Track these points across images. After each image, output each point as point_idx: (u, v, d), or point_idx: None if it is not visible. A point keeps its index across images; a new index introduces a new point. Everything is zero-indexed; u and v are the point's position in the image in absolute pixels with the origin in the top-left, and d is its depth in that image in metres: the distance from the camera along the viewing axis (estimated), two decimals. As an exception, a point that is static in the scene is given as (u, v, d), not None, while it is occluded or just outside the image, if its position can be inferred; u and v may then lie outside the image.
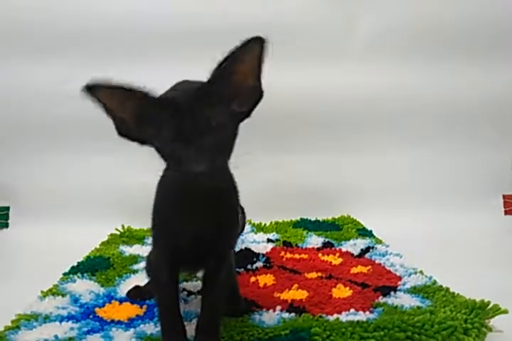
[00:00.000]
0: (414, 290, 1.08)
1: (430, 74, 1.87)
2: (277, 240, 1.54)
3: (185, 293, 1.08)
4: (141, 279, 1.17)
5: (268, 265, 1.29)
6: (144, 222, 1.54)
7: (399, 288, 1.10)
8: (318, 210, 1.78)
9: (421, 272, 1.18)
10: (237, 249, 1.23)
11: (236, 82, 0.71)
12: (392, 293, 1.06)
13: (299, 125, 1.86)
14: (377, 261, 1.30)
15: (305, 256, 1.36)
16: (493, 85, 1.87)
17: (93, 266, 1.27)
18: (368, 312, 0.97)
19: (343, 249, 1.43)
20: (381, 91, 1.87)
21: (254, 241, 1.53)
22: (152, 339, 0.87)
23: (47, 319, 0.96)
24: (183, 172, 0.68)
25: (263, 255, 1.36)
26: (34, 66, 1.77)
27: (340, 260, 1.33)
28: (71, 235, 1.56)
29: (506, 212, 1.85)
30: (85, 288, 1.12)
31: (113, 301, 1.05)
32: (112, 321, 0.95)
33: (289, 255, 1.38)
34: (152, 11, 1.80)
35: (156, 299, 0.86)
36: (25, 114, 1.80)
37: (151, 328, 0.91)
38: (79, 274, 1.20)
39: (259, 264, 1.29)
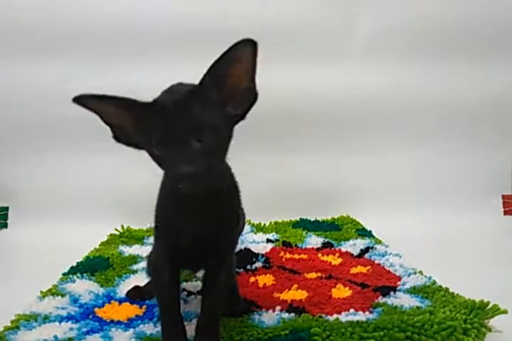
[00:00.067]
0: (413, 291, 1.08)
1: (430, 74, 1.87)
2: (277, 240, 1.54)
3: (185, 293, 1.08)
4: (140, 279, 1.17)
5: (267, 265, 1.28)
6: (143, 222, 1.56)
7: (398, 288, 1.10)
8: (318, 210, 1.78)
9: (420, 272, 1.18)
10: (236, 249, 1.23)
11: (229, 84, 0.71)
12: (391, 293, 1.06)
13: (299, 125, 1.86)
14: (376, 261, 1.30)
15: (304, 256, 1.36)
16: (493, 85, 1.87)
17: (92, 266, 1.27)
18: (367, 313, 0.97)
19: (343, 249, 1.43)
20: (381, 91, 1.87)
21: (253, 241, 1.53)
22: (152, 340, 0.87)
23: (46, 319, 0.96)
24: (170, 174, 0.68)
25: (262, 255, 1.36)
26: (34, 66, 1.77)
27: (339, 260, 1.33)
28: (71, 235, 1.56)
29: (506, 212, 1.85)
30: (85, 288, 1.12)
31: (112, 301, 1.05)
32: (112, 321, 0.95)
33: (288, 255, 1.38)
34: (152, 11, 1.80)
35: (157, 299, 0.87)
36: (25, 114, 1.80)
37: (151, 328, 0.91)
38: (78, 274, 1.20)
39: (258, 264, 1.29)
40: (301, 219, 1.76)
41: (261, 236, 1.58)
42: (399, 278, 1.16)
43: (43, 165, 1.80)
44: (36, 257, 1.45)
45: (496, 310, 0.91)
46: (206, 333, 0.83)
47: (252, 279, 1.17)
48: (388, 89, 1.87)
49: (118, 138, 0.75)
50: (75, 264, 1.28)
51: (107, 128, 0.76)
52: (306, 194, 1.83)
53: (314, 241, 1.52)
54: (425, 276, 1.15)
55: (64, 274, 1.21)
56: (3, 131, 1.81)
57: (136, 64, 1.76)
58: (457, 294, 1.03)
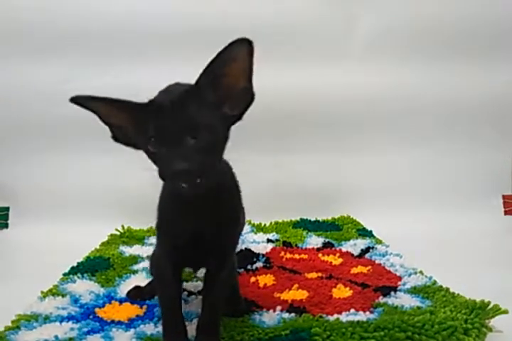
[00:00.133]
0: (414, 291, 1.08)
1: (430, 74, 1.87)
2: (277, 240, 1.54)
3: (186, 293, 1.08)
4: (141, 279, 1.17)
5: (268, 265, 1.28)
6: (143, 222, 1.56)
7: (399, 288, 1.10)
8: (318, 210, 1.78)
9: (421, 272, 1.18)
10: (237, 250, 1.23)
11: (226, 84, 0.71)
12: (392, 293, 1.06)
13: (299, 125, 1.86)
14: (377, 261, 1.30)
15: (305, 257, 1.36)
16: (493, 85, 1.87)
17: (93, 266, 1.27)
18: (368, 313, 0.97)
19: (343, 249, 1.43)
20: (381, 91, 1.87)
21: (254, 241, 1.53)
22: (152, 340, 0.87)
23: (47, 319, 0.96)
24: (165, 172, 0.68)
25: (263, 255, 1.36)
26: (34, 66, 1.77)
27: (340, 260, 1.33)
28: (71, 235, 1.56)
29: (506, 212, 1.85)
30: (85, 288, 1.12)
31: (113, 301, 1.05)
32: (112, 321, 0.95)
33: (288, 255, 1.38)
34: (152, 11, 1.80)
35: (159, 298, 0.87)
36: (25, 114, 1.80)
37: (151, 328, 0.91)
38: (79, 274, 1.20)
39: (259, 264, 1.29)
40: (301, 219, 1.76)
41: (261, 236, 1.58)
42: (399, 278, 1.16)
43: (43, 165, 1.80)
44: (37, 257, 1.45)
45: (497, 310, 0.91)
46: (207, 333, 0.83)
47: (253, 279, 1.18)
48: (388, 89, 1.87)
49: (116, 137, 0.76)
50: (75, 264, 1.28)
51: (107, 128, 0.77)
52: (306, 194, 1.83)
53: (315, 241, 1.52)
54: (426, 276, 1.15)
55: (64, 274, 1.21)
56: (3, 131, 1.81)
57: (136, 64, 1.76)
58: (458, 294, 1.03)
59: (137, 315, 0.98)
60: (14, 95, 1.80)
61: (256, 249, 1.42)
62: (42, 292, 1.09)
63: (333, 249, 1.45)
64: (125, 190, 1.75)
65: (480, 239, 1.57)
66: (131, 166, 1.78)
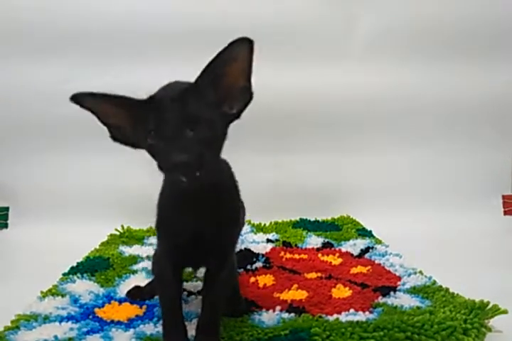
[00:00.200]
0: (413, 291, 1.08)
1: (430, 74, 1.87)
2: (277, 240, 1.54)
3: (186, 293, 1.08)
4: (140, 279, 1.17)
5: (268, 265, 1.29)
6: (143, 222, 1.56)
7: (398, 288, 1.10)
8: (318, 210, 1.78)
9: (420, 272, 1.18)
10: (236, 250, 1.24)
11: (225, 83, 0.72)
12: (391, 293, 1.06)
13: (299, 125, 1.86)
14: (376, 261, 1.30)
15: (305, 257, 1.36)
16: (493, 85, 1.87)
17: (93, 266, 1.27)
18: (367, 313, 0.97)
19: (343, 249, 1.43)
20: (381, 91, 1.87)
21: (253, 241, 1.53)
22: (152, 340, 0.87)
23: (46, 319, 0.96)
24: (164, 164, 0.68)
25: (262, 255, 1.36)
26: (34, 66, 1.77)
27: (339, 260, 1.33)
28: (71, 235, 1.56)
29: (505, 212, 1.85)
30: (85, 288, 1.12)
31: (112, 301, 1.05)
32: (112, 321, 0.95)
33: (288, 255, 1.38)
34: (152, 11, 1.80)
35: (159, 298, 0.87)
36: (25, 114, 1.80)
37: (151, 328, 0.91)
38: (78, 274, 1.20)
39: (258, 264, 1.29)
40: (301, 219, 1.76)
41: (261, 236, 1.58)
42: (399, 278, 1.16)
43: (43, 165, 1.80)
44: (36, 257, 1.45)
45: (496, 310, 0.91)
46: (206, 333, 0.83)
47: (252, 279, 1.18)
48: (388, 89, 1.87)
49: (115, 137, 0.75)
50: (75, 264, 1.28)
51: (105, 128, 0.77)
52: (306, 194, 1.83)
53: (314, 241, 1.52)
54: (425, 276, 1.15)
55: (64, 274, 1.21)
56: (3, 131, 1.81)
57: (136, 64, 1.76)
58: (457, 294, 1.03)
59: (137, 315, 0.98)
60: (14, 95, 1.80)
61: (256, 249, 1.42)
62: (41, 292, 1.09)
63: (333, 249, 1.45)
64: (125, 190, 1.75)
65: (480, 239, 1.57)
66: (131, 166, 1.79)
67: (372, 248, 1.42)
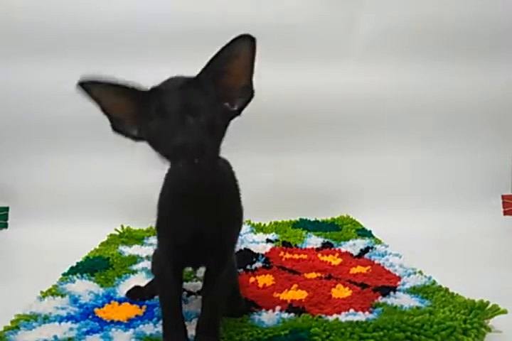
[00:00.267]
0: (413, 291, 1.08)
1: (430, 74, 1.87)
2: (276, 240, 1.54)
3: (185, 293, 1.08)
4: (140, 279, 1.17)
5: (267, 265, 1.29)
6: (143, 222, 1.56)
7: (398, 288, 1.10)
8: (318, 210, 1.78)
9: (420, 272, 1.18)
10: (236, 250, 1.24)
11: (227, 81, 0.72)
12: (391, 293, 1.06)
13: (299, 125, 1.86)
14: (376, 261, 1.30)
15: (304, 257, 1.37)
16: (493, 85, 1.87)
17: (92, 266, 1.27)
18: (367, 313, 0.97)
19: (343, 249, 1.43)
20: (381, 91, 1.87)
21: (253, 241, 1.53)
22: (152, 340, 0.87)
23: (46, 319, 0.96)
24: (165, 149, 0.68)
25: (262, 255, 1.36)
26: (34, 66, 1.77)
27: (339, 260, 1.33)
28: (71, 235, 1.55)
29: (505, 212, 1.85)
30: (84, 288, 1.12)
31: (112, 301, 1.05)
32: (112, 321, 0.96)
33: (288, 255, 1.38)
34: (152, 11, 1.80)
35: (159, 297, 0.87)
36: (25, 114, 1.80)
37: (151, 328, 0.92)
38: (78, 274, 1.20)
39: (258, 264, 1.29)
40: (300, 219, 1.76)
41: (261, 236, 1.58)
42: (399, 278, 1.16)
43: (43, 165, 1.80)
44: (36, 257, 1.46)
45: (496, 310, 0.91)
46: (206, 333, 0.83)
47: (252, 279, 1.18)
48: (388, 89, 1.87)
49: (116, 128, 0.75)
50: (74, 264, 1.28)
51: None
52: (306, 194, 1.83)
53: (314, 241, 1.52)
54: (425, 276, 1.15)
55: (64, 274, 1.21)
56: (3, 131, 1.81)
57: (136, 64, 1.76)
58: (457, 294, 1.03)
59: (136, 315, 0.98)
60: (14, 95, 1.80)
61: (255, 249, 1.42)
62: (41, 292, 1.09)
63: (333, 249, 1.45)
64: (125, 190, 1.75)
65: (479, 239, 1.57)
66: (131, 166, 1.79)
67: (372, 248, 1.42)
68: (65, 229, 1.61)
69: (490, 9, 1.85)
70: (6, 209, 1.82)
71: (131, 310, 1.01)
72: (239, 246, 1.42)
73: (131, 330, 0.91)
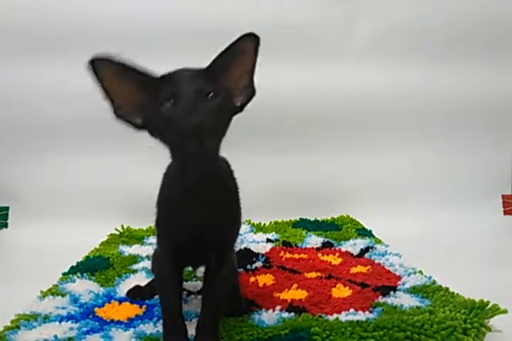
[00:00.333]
0: (413, 290, 1.08)
1: (430, 74, 1.87)
2: (277, 240, 1.54)
3: (185, 292, 1.08)
4: (140, 279, 1.17)
5: (267, 265, 1.29)
6: (143, 222, 1.57)
7: (398, 287, 1.10)
8: (318, 210, 1.78)
9: (420, 272, 1.18)
10: (236, 249, 1.24)
11: (231, 77, 0.74)
12: (391, 292, 1.06)
13: (299, 125, 1.86)
14: (376, 261, 1.30)
15: (304, 256, 1.36)
16: (493, 85, 1.87)
17: (93, 266, 1.27)
18: (367, 312, 0.97)
19: (343, 249, 1.43)
20: (381, 91, 1.87)
21: (253, 241, 1.53)
22: (152, 339, 0.87)
23: (46, 319, 0.96)
24: (176, 130, 0.68)
25: (262, 255, 1.36)
26: (34, 66, 1.77)
27: (339, 260, 1.33)
28: (71, 235, 1.56)
29: (505, 212, 1.85)
30: (85, 288, 1.12)
31: (112, 301, 1.05)
32: (112, 321, 0.95)
33: (288, 255, 1.38)
34: (152, 11, 1.80)
35: (159, 296, 0.87)
36: (25, 114, 1.80)
37: (151, 328, 0.91)
38: (78, 274, 1.20)
39: (258, 264, 1.29)
40: (301, 218, 1.76)
41: (261, 236, 1.58)
42: (399, 278, 1.16)
43: (43, 165, 1.80)
44: (36, 257, 1.45)
45: (496, 310, 0.91)
46: (206, 332, 0.83)
47: (252, 279, 1.18)
48: (388, 89, 1.87)
49: (119, 114, 0.74)
50: (75, 264, 1.28)
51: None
52: (305, 194, 1.83)
53: (314, 240, 1.52)
54: (425, 276, 1.15)
55: (64, 274, 1.21)
56: (3, 131, 1.81)
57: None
58: (457, 294, 1.03)
59: (137, 315, 0.98)
60: (14, 95, 1.80)
61: (255, 248, 1.42)
62: (41, 291, 1.09)
63: (333, 248, 1.45)
64: (125, 190, 1.75)
65: (480, 238, 1.57)
66: (131, 166, 1.80)
67: (372, 248, 1.42)
68: (65, 229, 1.61)
69: (490, 9, 1.85)
70: (6, 209, 1.81)
71: (131, 310, 1.01)
72: (239, 246, 1.42)
73: (132, 330, 0.91)
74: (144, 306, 1.02)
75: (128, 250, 1.44)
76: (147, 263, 1.27)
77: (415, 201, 1.82)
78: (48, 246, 1.52)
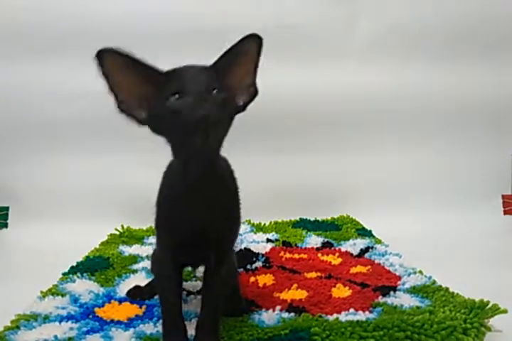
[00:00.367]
0: (413, 290, 1.08)
1: (430, 74, 1.87)
2: (277, 240, 1.54)
3: (185, 292, 1.08)
4: (140, 279, 1.17)
5: (267, 265, 1.29)
6: (143, 222, 1.57)
7: (398, 287, 1.10)
8: (318, 210, 1.78)
9: (420, 272, 1.18)
10: (236, 249, 1.24)
11: (234, 76, 0.75)
12: (391, 292, 1.06)
13: (299, 125, 1.86)
14: (376, 261, 1.30)
15: (304, 256, 1.36)
16: (493, 85, 1.87)
17: (93, 266, 1.27)
18: (367, 312, 0.97)
19: (343, 249, 1.43)
20: (381, 91, 1.87)
21: (253, 241, 1.53)
22: (152, 339, 0.87)
23: (46, 319, 0.96)
24: (184, 120, 0.68)
25: (262, 255, 1.36)
26: (34, 66, 1.77)
27: (339, 260, 1.33)
28: (71, 235, 1.56)
29: (505, 212, 1.85)
30: (85, 288, 1.12)
31: (112, 301, 1.05)
32: (112, 321, 0.95)
33: (288, 255, 1.38)
34: (152, 11, 1.80)
35: (159, 296, 0.87)
36: (25, 114, 1.80)
37: (151, 328, 0.91)
38: (78, 274, 1.20)
39: (258, 264, 1.29)
40: (301, 218, 1.76)
41: (261, 236, 1.58)
42: (399, 278, 1.16)
43: (43, 165, 1.80)
44: (36, 257, 1.45)
45: (496, 310, 0.91)
46: (206, 332, 0.83)
47: (252, 279, 1.17)
48: (388, 89, 1.87)
49: (122, 108, 0.74)
50: (75, 264, 1.28)
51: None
52: (305, 194, 1.83)
53: (314, 240, 1.52)
54: (425, 276, 1.15)
55: (64, 274, 1.21)
56: (3, 131, 1.81)
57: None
58: (457, 293, 1.03)
59: (136, 315, 0.98)
60: (14, 95, 1.80)
61: (255, 248, 1.42)
62: (41, 292, 1.09)
63: (333, 248, 1.45)
64: (125, 190, 1.75)
65: (480, 238, 1.57)
66: (131, 166, 1.80)
67: (372, 248, 1.42)
68: (65, 229, 1.61)
69: (490, 9, 1.86)
70: (6, 209, 1.81)
71: (131, 310, 1.01)
72: (239, 246, 1.42)
73: (132, 330, 0.91)
74: (144, 306, 1.02)
75: (128, 250, 1.44)
76: (147, 263, 1.27)
77: (415, 201, 1.82)
78: (48, 246, 1.52)
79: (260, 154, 1.79)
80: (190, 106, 0.67)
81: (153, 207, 0.85)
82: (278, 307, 0.98)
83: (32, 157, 1.81)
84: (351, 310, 0.97)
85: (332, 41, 1.86)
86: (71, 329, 0.91)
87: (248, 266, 1.27)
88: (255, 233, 1.62)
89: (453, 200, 1.82)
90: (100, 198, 1.79)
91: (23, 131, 1.81)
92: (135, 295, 1.07)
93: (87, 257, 1.35)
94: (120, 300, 1.06)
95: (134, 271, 1.25)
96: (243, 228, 1.61)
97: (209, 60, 0.74)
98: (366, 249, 1.41)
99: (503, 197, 1.87)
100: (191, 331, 0.84)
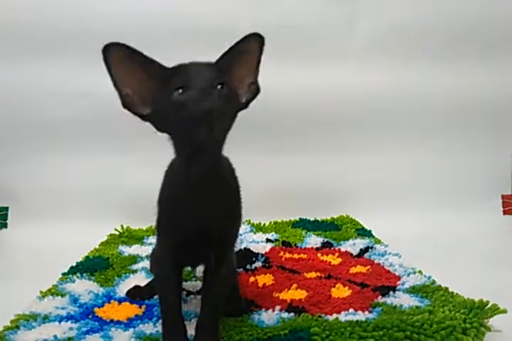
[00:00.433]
0: (413, 290, 1.08)
1: (430, 74, 1.87)
2: (276, 240, 1.54)
3: (185, 292, 1.08)
4: (140, 279, 1.17)
5: (267, 265, 1.29)
6: (143, 222, 1.57)
7: (398, 287, 1.10)
8: (318, 210, 1.78)
9: (420, 272, 1.18)
10: (236, 249, 1.24)
11: (236, 74, 0.76)
12: (391, 292, 1.06)
13: (299, 125, 1.86)
14: (376, 261, 1.30)
15: (304, 256, 1.36)
16: (493, 85, 1.87)
17: (92, 266, 1.27)
18: (366, 312, 0.97)
19: (342, 249, 1.43)
20: (381, 91, 1.87)
21: (253, 241, 1.53)
22: (151, 339, 0.87)
23: (46, 319, 0.96)
24: (188, 114, 0.68)
25: (262, 255, 1.36)
26: (34, 66, 1.77)
27: (339, 260, 1.33)
28: (70, 235, 1.56)
29: (505, 212, 1.85)
30: (84, 288, 1.12)
31: (112, 301, 1.05)
32: (111, 321, 0.95)
33: (288, 255, 1.38)
34: (152, 11, 1.80)
35: (159, 295, 0.87)
36: (25, 114, 1.80)
37: (150, 328, 0.91)
38: (78, 274, 1.20)
39: (258, 264, 1.29)
40: (300, 218, 1.76)
41: (260, 236, 1.58)
42: (398, 278, 1.16)
43: (43, 165, 1.80)
44: (36, 257, 1.45)
45: (496, 310, 0.91)
46: (206, 332, 0.83)
47: (252, 279, 1.17)
48: (388, 89, 1.87)
49: (126, 105, 0.74)
50: (74, 264, 1.28)
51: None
52: (305, 194, 1.83)
53: (314, 240, 1.52)
54: (424, 276, 1.15)
55: (64, 274, 1.21)
56: (3, 131, 1.81)
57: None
58: (456, 293, 1.03)
59: (136, 315, 0.98)
60: (14, 95, 1.80)
61: (255, 248, 1.42)
62: (41, 292, 1.09)
63: (332, 248, 1.45)
64: (125, 190, 1.76)
65: (480, 239, 1.57)
66: (131, 166, 1.80)
67: (372, 248, 1.42)
68: (65, 229, 1.61)
69: (490, 9, 1.85)
70: (6, 209, 1.81)
71: (131, 310, 1.01)
72: (239, 246, 1.42)
73: (131, 330, 0.91)
74: (144, 306, 1.02)
75: (128, 250, 1.44)
76: (147, 264, 1.27)
77: (415, 201, 1.82)
78: (48, 246, 1.52)
79: (260, 154, 1.79)
80: (194, 100, 0.68)
81: (154, 207, 0.85)
82: (278, 307, 0.99)
83: (32, 157, 1.81)
84: (351, 310, 0.97)
85: (332, 41, 1.86)
86: (71, 329, 0.92)
87: (248, 266, 1.27)
88: (255, 233, 1.62)
89: (453, 200, 1.82)
90: (100, 198, 1.79)
91: (23, 131, 1.81)
92: (135, 295, 1.07)
93: (87, 257, 1.35)
94: (120, 300, 1.06)
95: (134, 271, 1.25)
96: (243, 228, 1.61)
97: (209, 60, 0.75)
98: (366, 249, 1.41)
99: (503, 197, 1.87)
100: (191, 331, 0.84)
